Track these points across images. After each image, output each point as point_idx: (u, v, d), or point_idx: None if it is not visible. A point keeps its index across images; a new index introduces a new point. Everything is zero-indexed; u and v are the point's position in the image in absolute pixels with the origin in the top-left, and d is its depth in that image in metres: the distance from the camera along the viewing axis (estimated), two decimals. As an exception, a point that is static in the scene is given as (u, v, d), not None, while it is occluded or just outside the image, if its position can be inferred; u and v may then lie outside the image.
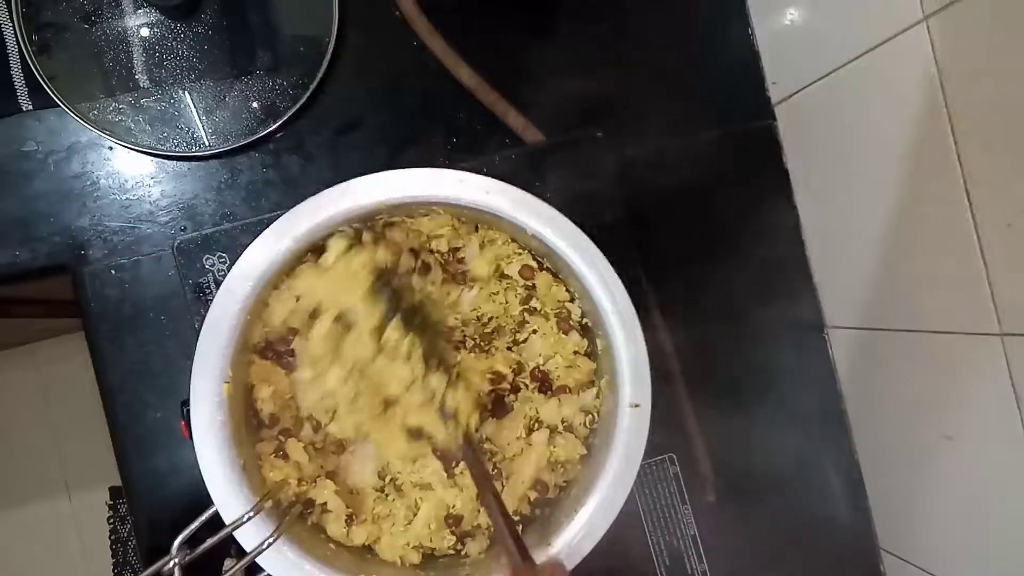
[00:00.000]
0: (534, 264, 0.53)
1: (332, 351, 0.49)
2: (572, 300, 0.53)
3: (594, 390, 0.53)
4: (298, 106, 0.57)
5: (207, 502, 0.45)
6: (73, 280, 0.58)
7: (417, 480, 0.51)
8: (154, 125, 0.56)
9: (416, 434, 0.50)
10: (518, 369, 0.52)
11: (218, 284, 0.52)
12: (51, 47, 0.55)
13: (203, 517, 0.44)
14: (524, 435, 0.51)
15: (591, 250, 0.48)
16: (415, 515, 0.51)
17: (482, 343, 0.53)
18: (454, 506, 0.51)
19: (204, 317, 0.46)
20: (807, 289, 0.66)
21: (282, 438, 0.49)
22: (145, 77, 0.56)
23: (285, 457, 0.48)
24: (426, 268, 0.52)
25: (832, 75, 0.57)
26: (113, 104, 0.56)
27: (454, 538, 0.51)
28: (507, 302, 0.53)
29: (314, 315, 0.50)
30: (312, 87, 0.57)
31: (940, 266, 0.51)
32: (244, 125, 0.57)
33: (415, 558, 0.50)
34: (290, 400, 0.50)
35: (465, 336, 0.53)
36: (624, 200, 0.57)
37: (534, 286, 0.54)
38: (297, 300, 0.49)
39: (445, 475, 0.50)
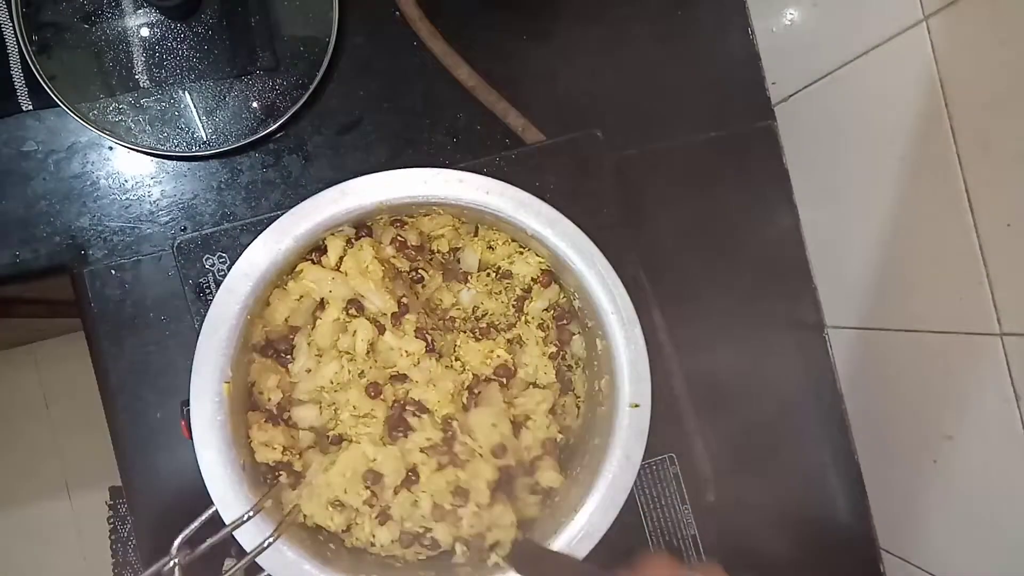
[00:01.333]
0: (552, 271, 0.53)
1: (337, 342, 0.49)
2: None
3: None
4: (298, 106, 0.57)
5: (207, 502, 0.45)
6: (73, 280, 0.58)
7: (354, 434, 0.49)
8: (154, 125, 0.57)
9: (375, 391, 0.49)
10: (513, 372, 0.52)
11: (218, 284, 0.52)
12: (51, 47, 0.55)
13: (203, 517, 0.44)
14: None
15: (591, 250, 0.48)
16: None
17: (477, 333, 0.53)
18: (375, 460, 0.48)
19: (204, 317, 0.46)
20: (807, 289, 0.66)
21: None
22: (145, 77, 0.56)
23: (275, 422, 0.48)
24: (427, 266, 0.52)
25: (832, 75, 0.57)
26: (113, 104, 0.56)
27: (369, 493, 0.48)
28: (507, 300, 0.53)
29: (321, 307, 0.50)
30: (312, 87, 0.57)
31: (940, 266, 0.51)
32: (244, 125, 0.57)
33: (392, 534, 0.48)
34: (290, 397, 0.50)
35: (465, 327, 0.53)
36: (624, 200, 0.57)
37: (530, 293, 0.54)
38: (302, 297, 0.49)
39: (384, 436, 0.48)
